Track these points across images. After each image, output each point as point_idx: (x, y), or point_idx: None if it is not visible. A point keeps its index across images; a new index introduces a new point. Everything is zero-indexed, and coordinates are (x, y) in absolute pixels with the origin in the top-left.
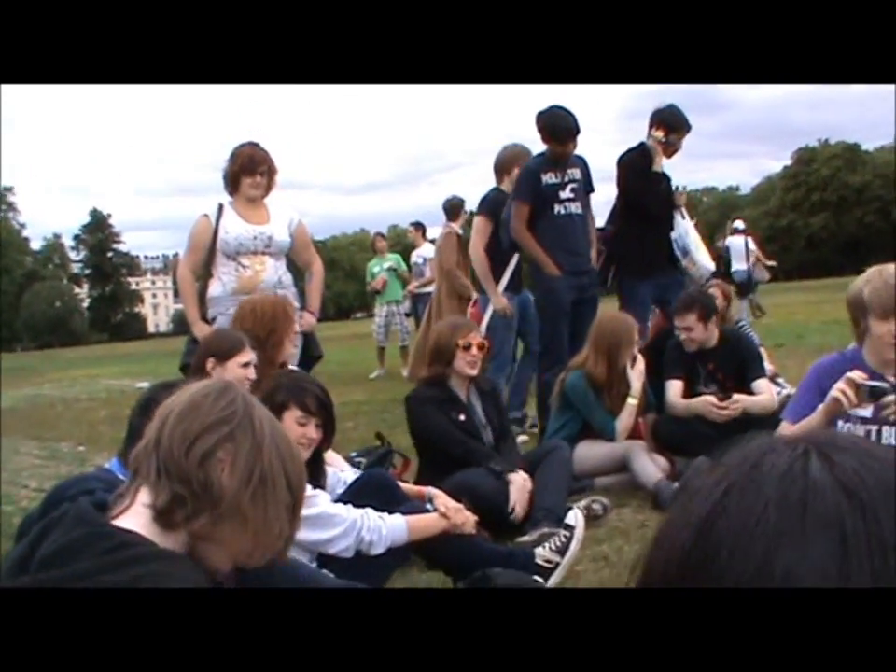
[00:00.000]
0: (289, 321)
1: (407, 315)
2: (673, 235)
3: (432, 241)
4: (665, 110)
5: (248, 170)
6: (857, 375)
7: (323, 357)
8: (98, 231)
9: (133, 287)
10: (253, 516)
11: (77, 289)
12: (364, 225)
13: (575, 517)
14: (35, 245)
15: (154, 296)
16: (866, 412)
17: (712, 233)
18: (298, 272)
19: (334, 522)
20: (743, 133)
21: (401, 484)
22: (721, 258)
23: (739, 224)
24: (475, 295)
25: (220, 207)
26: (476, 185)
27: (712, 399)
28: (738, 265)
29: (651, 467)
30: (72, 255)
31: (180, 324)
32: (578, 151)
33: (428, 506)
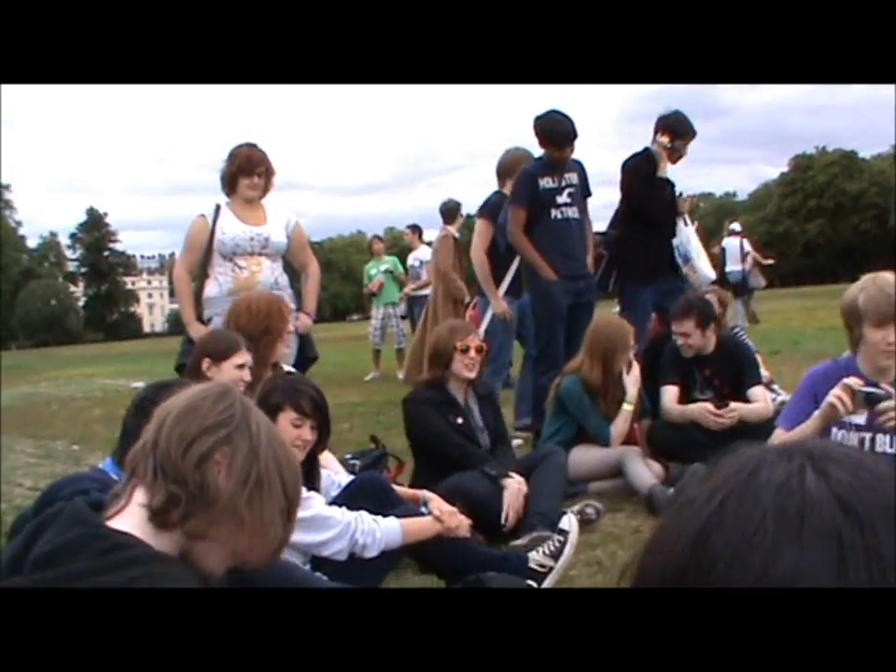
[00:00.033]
0: (284, 320)
1: (403, 317)
2: (675, 242)
3: (429, 244)
4: (671, 116)
5: (246, 171)
6: (853, 381)
7: (318, 359)
8: (94, 229)
9: (129, 286)
10: (249, 519)
11: (72, 288)
12: (361, 227)
13: (569, 522)
14: (32, 243)
15: (150, 296)
16: (861, 419)
17: (709, 239)
18: (294, 273)
19: (328, 524)
20: (741, 139)
21: (396, 487)
22: (716, 259)
23: (736, 226)
24: (468, 298)
25: (217, 208)
26: (475, 188)
27: (709, 406)
28: (733, 266)
29: (645, 472)
30: (68, 253)
31: (176, 324)
32: (576, 155)
33: (423, 509)
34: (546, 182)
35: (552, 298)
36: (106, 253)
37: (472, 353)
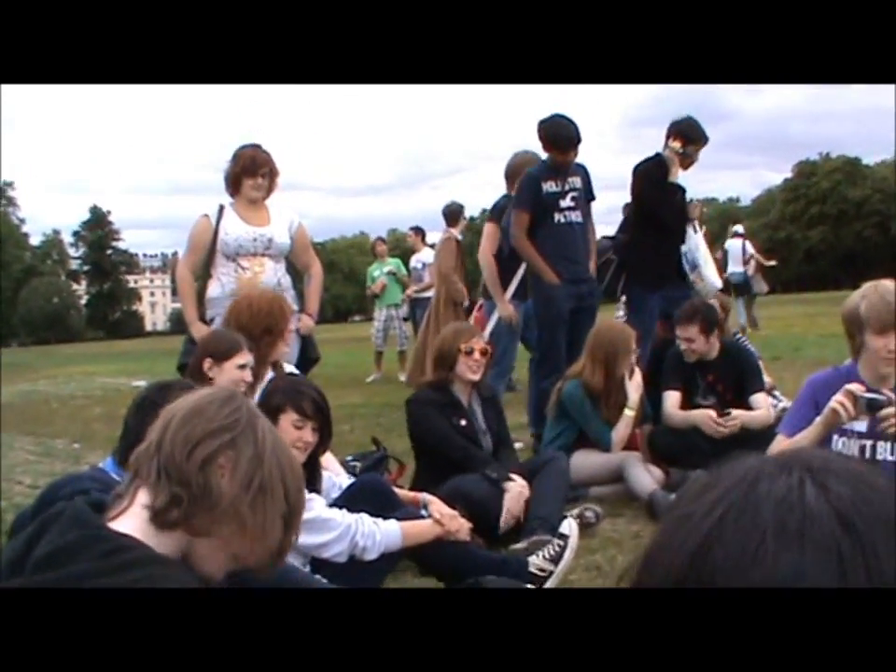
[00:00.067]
0: (285, 319)
1: (405, 319)
2: (683, 249)
3: (432, 246)
4: (684, 122)
5: (250, 171)
6: (856, 387)
7: (320, 360)
8: (98, 228)
9: (132, 284)
10: (251, 523)
11: (75, 286)
12: (364, 228)
13: (569, 526)
14: (35, 240)
15: (152, 294)
16: (862, 426)
17: (713, 244)
18: (296, 274)
19: (329, 526)
20: (744, 145)
21: (396, 490)
22: (719, 263)
23: (739, 228)
24: (467, 301)
25: (221, 208)
26: (477, 190)
27: (711, 413)
28: (735, 268)
29: (646, 477)
30: (71, 251)
31: (177, 323)
32: (579, 159)
33: (423, 512)
34: (549, 186)
35: (554, 301)
36: (109, 251)
37: (476, 355)
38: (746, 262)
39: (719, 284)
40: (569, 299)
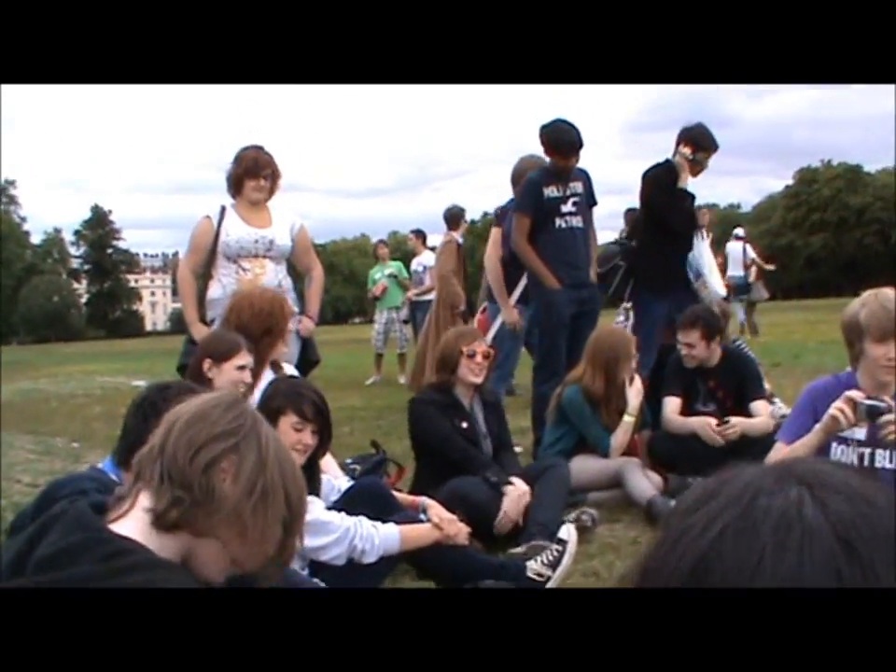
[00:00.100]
0: (286, 319)
1: (405, 322)
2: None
3: (433, 249)
4: (695, 128)
5: (252, 173)
6: (856, 394)
7: (321, 362)
8: (99, 227)
9: (132, 284)
10: (251, 528)
11: (75, 285)
12: (365, 230)
13: (568, 532)
14: (36, 238)
15: (153, 294)
16: (860, 434)
17: (715, 250)
18: (297, 275)
19: (328, 529)
20: (745, 151)
21: (395, 493)
22: (721, 268)
23: (739, 231)
24: (463, 305)
25: (223, 209)
26: (479, 193)
27: (710, 421)
28: (735, 271)
29: (644, 483)
30: (72, 250)
31: (177, 322)
32: (581, 164)
33: (422, 516)
34: (551, 191)
35: (554, 307)
36: (110, 251)
37: (479, 358)
38: (747, 267)
39: (723, 292)
40: (570, 304)
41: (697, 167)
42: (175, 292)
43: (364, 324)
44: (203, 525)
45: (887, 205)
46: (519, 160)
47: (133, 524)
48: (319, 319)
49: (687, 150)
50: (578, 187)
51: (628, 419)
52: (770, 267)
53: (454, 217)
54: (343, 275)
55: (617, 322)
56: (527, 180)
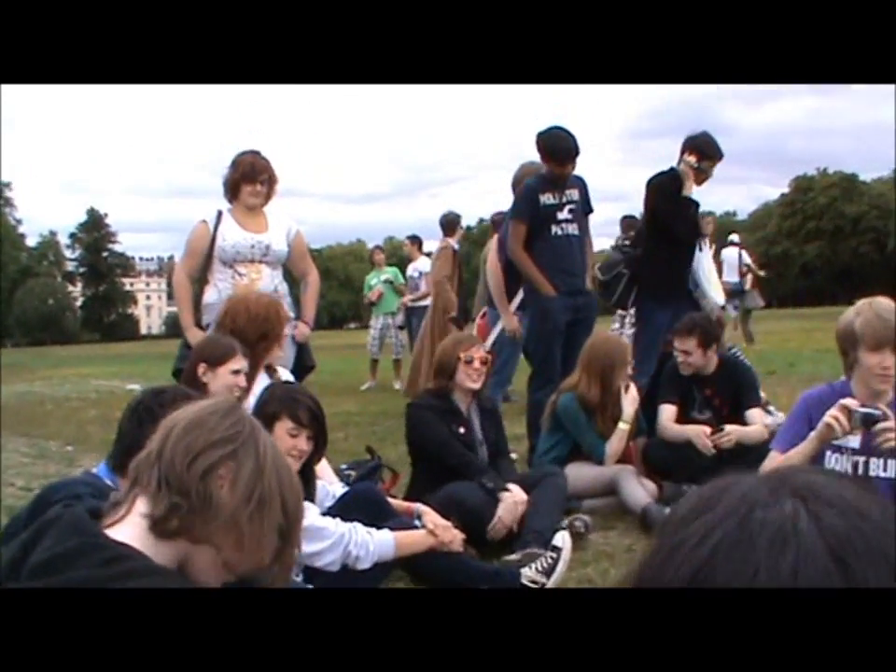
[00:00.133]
0: (281, 324)
1: (400, 327)
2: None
3: (428, 255)
4: (700, 137)
5: (249, 178)
6: (851, 402)
7: (316, 368)
8: (94, 230)
9: (127, 287)
10: (248, 534)
11: (70, 288)
12: (361, 235)
13: (562, 539)
14: (31, 241)
15: (148, 298)
16: (855, 442)
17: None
18: (293, 280)
19: (322, 535)
20: (741, 159)
21: (390, 500)
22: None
23: (735, 237)
24: (454, 311)
25: (219, 214)
26: (476, 199)
27: (705, 429)
28: (730, 277)
29: (639, 491)
30: (67, 253)
31: (173, 326)
32: (577, 171)
33: (417, 522)
34: (547, 198)
35: (550, 314)
36: (105, 254)
37: (476, 364)
38: (743, 274)
39: (722, 301)
40: (566, 311)
41: (702, 175)
42: (170, 296)
43: (360, 329)
44: (200, 531)
45: (882, 214)
46: (520, 166)
47: (129, 529)
48: (315, 324)
49: (692, 159)
50: (574, 194)
51: (623, 426)
52: (762, 272)
53: (450, 224)
54: (339, 281)
55: (613, 329)
56: (524, 187)
